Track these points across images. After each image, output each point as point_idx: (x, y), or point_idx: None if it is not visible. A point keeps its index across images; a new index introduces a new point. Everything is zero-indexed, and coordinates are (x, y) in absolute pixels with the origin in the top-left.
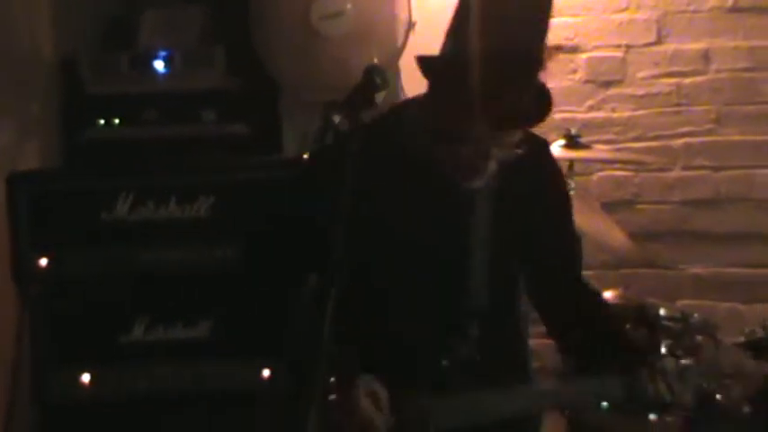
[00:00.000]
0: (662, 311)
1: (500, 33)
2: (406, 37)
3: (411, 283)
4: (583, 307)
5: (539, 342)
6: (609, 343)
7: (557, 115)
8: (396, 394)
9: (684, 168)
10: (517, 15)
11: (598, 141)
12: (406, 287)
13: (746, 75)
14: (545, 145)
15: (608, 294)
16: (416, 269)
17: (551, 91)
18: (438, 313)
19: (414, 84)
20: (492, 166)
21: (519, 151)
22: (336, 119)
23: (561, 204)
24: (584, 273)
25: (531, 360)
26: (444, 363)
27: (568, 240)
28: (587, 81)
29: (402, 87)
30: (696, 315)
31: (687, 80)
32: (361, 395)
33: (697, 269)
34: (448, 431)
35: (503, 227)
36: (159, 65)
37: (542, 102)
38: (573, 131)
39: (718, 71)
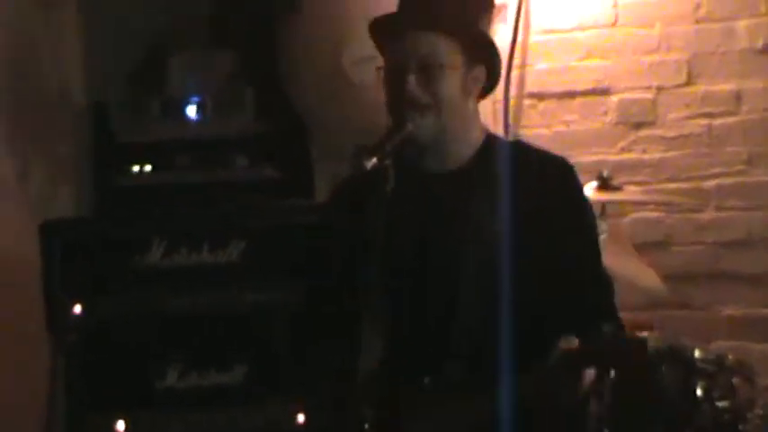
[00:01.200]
0: (696, 353)
1: None
2: None
3: (404, 302)
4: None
5: None
6: None
7: (588, 158)
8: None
9: (716, 209)
10: None
11: (630, 183)
12: (405, 307)
13: None
14: (570, 169)
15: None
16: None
17: (583, 132)
18: (427, 332)
19: None
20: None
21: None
22: (368, 163)
23: (585, 231)
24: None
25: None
26: (425, 381)
27: (591, 266)
28: (618, 123)
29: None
30: (731, 356)
31: (718, 121)
32: None
33: (730, 310)
34: None
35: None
36: (191, 111)
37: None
38: (605, 173)
39: (749, 112)
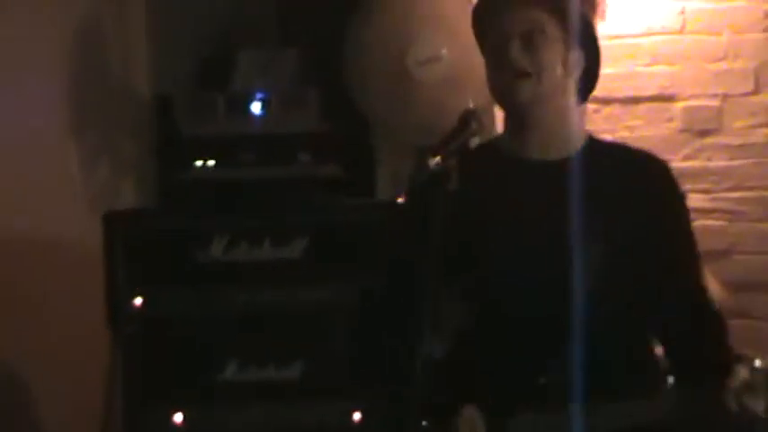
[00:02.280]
0: (758, 363)
1: None
2: None
3: (507, 299)
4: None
5: None
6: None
7: None
8: (494, 421)
9: None
10: None
11: (693, 191)
12: (502, 305)
13: None
14: (665, 168)
15: None
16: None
17: (647, 139)
18: (534, 330)
19: None
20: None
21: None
22: (432, 162)
23: (682, 229)
24: None
25: (657, 374)
26: (542, 381)
27: (693, 265)
28: (683, 130)
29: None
30: None
31: None
32: (461, 424)
33: None
34: None
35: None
36: (256, 107)
37: None
38: None
39: None
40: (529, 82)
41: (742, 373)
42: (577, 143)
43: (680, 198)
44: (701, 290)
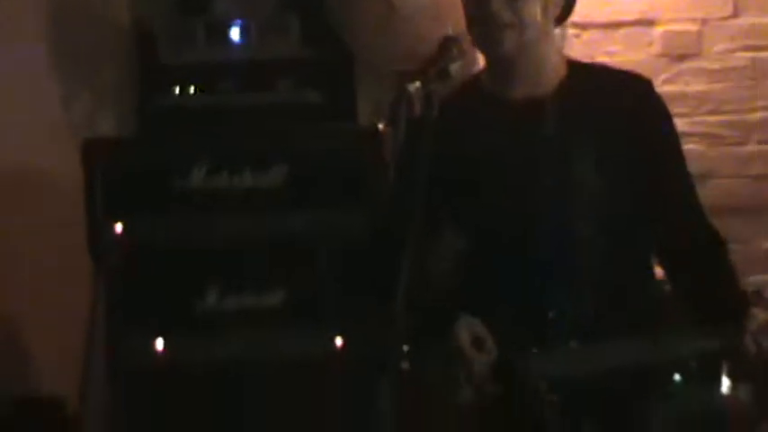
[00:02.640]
0: None
1: None
2: None
3: (512, 235)
4: (700, 255)
5: None
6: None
7: None
8: (500, 339)
9: (759, 142)
10: None
11: (673, 115)
12: (508, 241)
13: None
14: (648, 84)
15: None
16: (514, 221)
17: (626, 64)
18: (542, 268)
19: None
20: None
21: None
22: (412, 88)
23: (671, 146)
24: None
25: (661, 312)
26: (551, 315)
27: (684, 184)
28: (662, 55)
29: (477, 59)
30: None
31: (763, 54)
32: (463, 336)
33: None
34: (550, 378)
35: (604, 170)
36: (235, 34)
37: None
38: None
39: None
40: (511, 33)
41: (761, 315)
42: (560, 73)
43: (665, 115)
44: (699, 209)
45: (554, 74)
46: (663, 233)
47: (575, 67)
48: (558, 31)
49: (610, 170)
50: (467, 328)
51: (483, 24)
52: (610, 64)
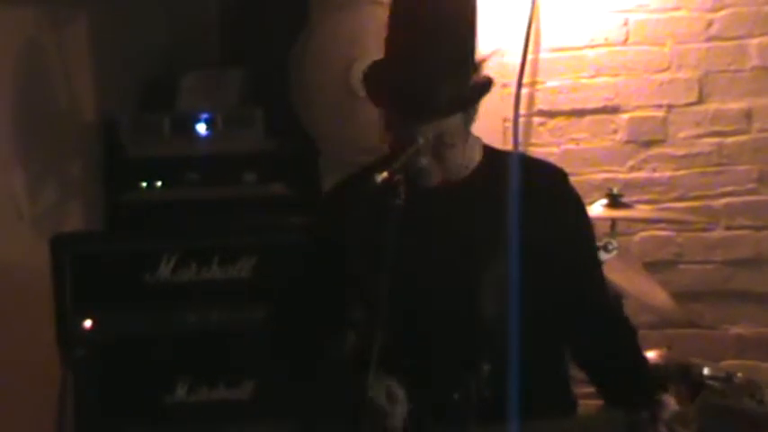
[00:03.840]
0: (706, 371)
1: (413, 39)
2: None
3: (422, 316)
4: (612, 343)
5: None
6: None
7: (598, 175)
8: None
9: (726, 228)
10: (430, 26)
11: (640, 201)
12: (418, 321)
13: None
14: (562, 175)
15: (651, 354)
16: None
17: (593, 150)
18: (449, 346)
19: None
20: (424, 161)
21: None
22: (378, 178)
23: (583, 233)
24: None
25: (569, 398)
26: (455, 396)
27: (595, 270)
28: (628, 141)
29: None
30: (740, 374)
31: (729, 140)
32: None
33: (739, 329)
34: None
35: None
36: (201, 128)
37: (462, 98)
38: (615, 191)
39: (760, 130)
40: (436, 171)
41: (672, 403)
42: (475, 160)
43: (579, 205)
44: (608, 299)
45: (468, 162)
46: (575, 321)
47: (491, 152)
48: (523, 119)
49: (521, 256)
50: (380, 382)
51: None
52: (576, 151)
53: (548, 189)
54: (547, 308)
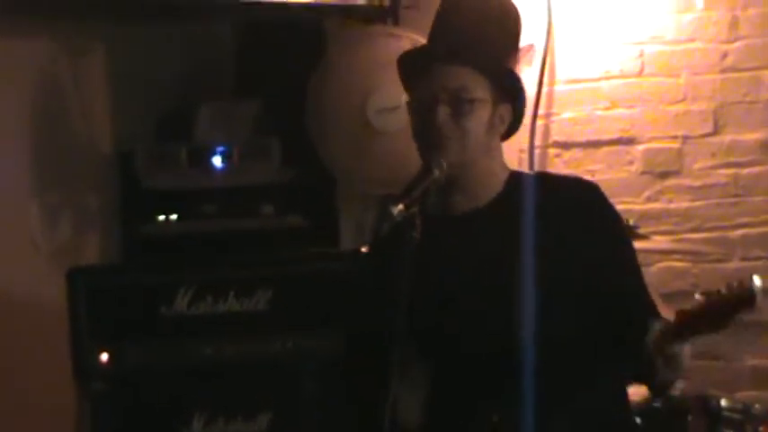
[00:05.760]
0: (723, 402)
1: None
2: None
3: (465, 341)
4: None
5: None
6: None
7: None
8: None
9: (742, 259)
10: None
11: (656, 232)
12: (461, 345)
13: None
14: (596, 189)
15: None
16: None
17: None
18: (492, 367)
19: None
20: (444, 110)
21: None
22: (394, 210)
23: (620, 246)
24: None
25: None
26: (495, 418)
27: (635, 281)
28: (644, 172)
29: None
30: (757, 406)
31: (744, 170)
32: None
33: (755, 360)
34: None
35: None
36: (217, 160)
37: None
38: (631, 222)
39: None
40: (455, 146)
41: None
42: (499, 186)
43: (615, 218)
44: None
45: (493, 186)
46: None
47: (516, 176)
48: (538, 150)
49: (551, 279)
50: None
51: (428, 137)
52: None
53: (584, 202)
54: (593, 321)
